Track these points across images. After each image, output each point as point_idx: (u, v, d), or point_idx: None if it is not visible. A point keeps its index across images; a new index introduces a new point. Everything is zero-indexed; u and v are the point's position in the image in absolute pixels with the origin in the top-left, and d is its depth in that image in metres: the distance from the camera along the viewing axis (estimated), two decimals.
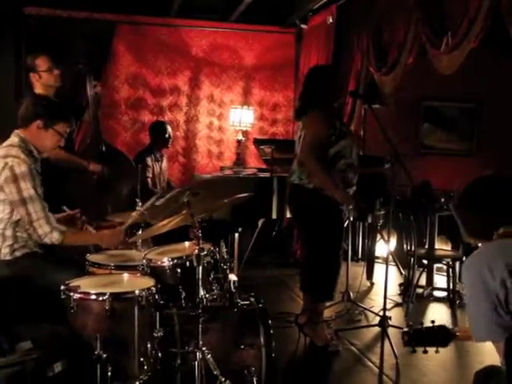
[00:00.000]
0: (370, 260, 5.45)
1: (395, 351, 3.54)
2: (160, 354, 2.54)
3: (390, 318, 3.68)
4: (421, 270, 4.89)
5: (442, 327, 2.12)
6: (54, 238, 2.87)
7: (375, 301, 4.68)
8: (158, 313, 2.57)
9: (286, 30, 6.70)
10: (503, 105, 6.17)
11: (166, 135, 5.65)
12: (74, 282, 2.53)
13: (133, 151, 5.75)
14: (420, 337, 2.10)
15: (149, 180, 5.46)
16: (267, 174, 5.35)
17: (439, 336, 2.09)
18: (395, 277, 5.51)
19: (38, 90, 4.00)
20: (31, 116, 2.97)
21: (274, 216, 5.08)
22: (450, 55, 3.97)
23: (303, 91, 3.81)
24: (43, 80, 3.97)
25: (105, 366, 2.32)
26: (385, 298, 3.63)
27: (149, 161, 5.51)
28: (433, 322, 2.12)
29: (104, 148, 4.41)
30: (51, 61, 4.00)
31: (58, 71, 4.02)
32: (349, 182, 3.61)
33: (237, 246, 5.04)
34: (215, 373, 2.53)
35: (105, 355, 2.31)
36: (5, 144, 2.97)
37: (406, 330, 2.11)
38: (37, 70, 3.96)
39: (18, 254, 2.93)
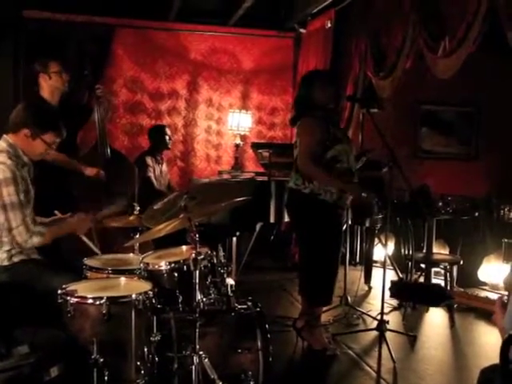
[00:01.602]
0: (367, 264, 5.43)
1: (393, 355, 3.55)
2: (157, 358, 2.53)
3: (387, 322, 3.70)
4: (418, 274, 4.87)
5: (436, 286, 2.05)
6: (35, 242, 2.86)
7: (373, 305, 4.66)
8: (155, 317, 2.56)
9: (284, 35, 6.73)
10: (502, 109, 6.19)
11: (167, 137, 5.66)
12: (71, 286, 2.52)
13: (131, 155, 5.74)
14: (409, 290, 2.02)
15: (152, 179, 5.44)
16: (265, 178, 5.35)
17: (431, 294, 2.00)
18: None
19: (45, 91, 4.07)
20: (20, 123, 2.95)
21: (272, 220, 5.08)
22: (447, 59, 3.98)
23: (296, 97, 3.84)
24: (52, 81, 4.04)
25: (101, 370, 2.31)
26: (382, 302, 3.63)
27: (149, 160, 5.49)
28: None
29: (109, 153, 4.41)
30: (62, 66, 4.08)
31: (67, 76, 4.11)
32: None
33: (235, 249, 5.04)
34: (212, 377, 2.53)
35: (102, 359, 2.31)
36: None
37: (395, 280, 2.04)
38: (48, 71, 4.02)
39: (15, 259, 2.92)
